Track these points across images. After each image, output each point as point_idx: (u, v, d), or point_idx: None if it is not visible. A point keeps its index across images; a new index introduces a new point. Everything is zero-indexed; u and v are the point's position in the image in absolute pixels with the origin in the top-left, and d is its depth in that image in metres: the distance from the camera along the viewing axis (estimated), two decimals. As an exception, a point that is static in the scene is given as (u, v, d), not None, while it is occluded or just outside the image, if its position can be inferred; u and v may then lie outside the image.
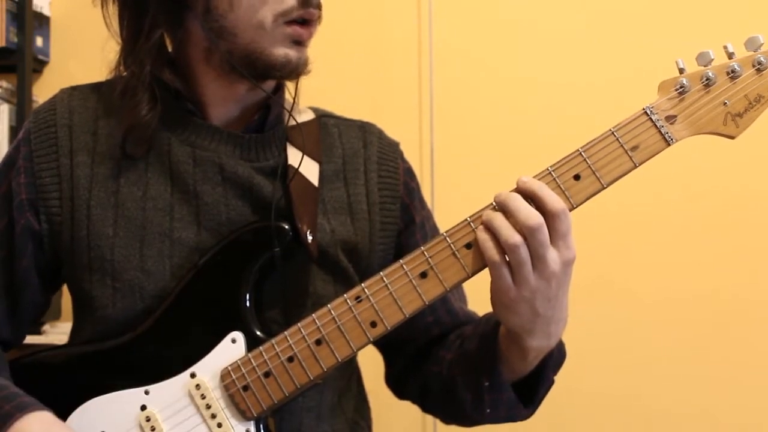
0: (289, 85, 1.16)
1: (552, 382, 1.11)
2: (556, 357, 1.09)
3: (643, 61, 2.10)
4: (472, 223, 1.01)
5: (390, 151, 1.23)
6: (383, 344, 1.21)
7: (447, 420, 1.23)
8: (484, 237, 0.98)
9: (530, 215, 0.95)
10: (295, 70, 1.09)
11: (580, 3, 2.34)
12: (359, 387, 1.23)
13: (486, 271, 1.00)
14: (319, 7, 1.09)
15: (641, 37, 2.26)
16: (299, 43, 1.08)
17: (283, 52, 1.07)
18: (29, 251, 1.11)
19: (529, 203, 0.97)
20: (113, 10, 1.13)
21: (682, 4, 2.27)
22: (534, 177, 1.00)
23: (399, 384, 1.27)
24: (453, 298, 1.21)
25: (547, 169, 1.01)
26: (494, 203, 1.00)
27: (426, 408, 1.25)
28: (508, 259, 0.97)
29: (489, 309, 1.04)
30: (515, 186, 0.99)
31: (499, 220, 0.97)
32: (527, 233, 0.95)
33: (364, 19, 2.45)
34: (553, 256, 0.96)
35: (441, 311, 1.20)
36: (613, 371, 2.25)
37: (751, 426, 2.18)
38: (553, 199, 0.96)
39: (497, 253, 0.97)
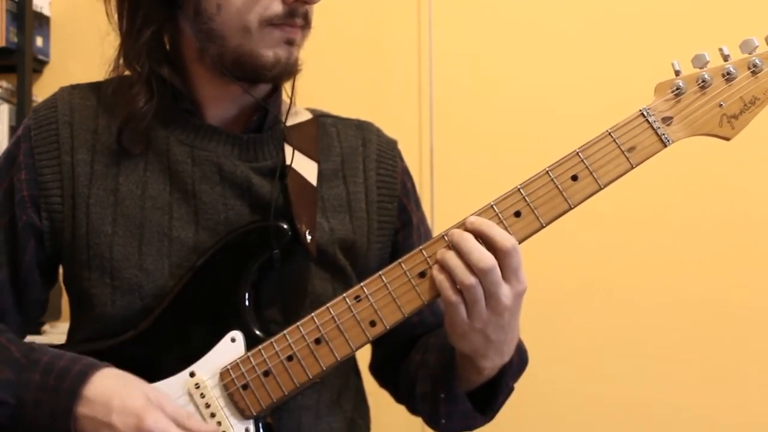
0: (287, 86, 1.16)
1: (511, 390, 1.13)
2: (516, 366, 1.11)
3: (640, 63, 2.11)
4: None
5: (389, 149, 1.23)
6: None
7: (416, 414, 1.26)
8: (440, 278, 1.00)
9: (482, 257, 0.97)
10: (285, 71, 1.09)
11: (579, 5, 2.34)
12: (358, 386, 1.23)
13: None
14: (306, 17, 1.08)
15: (638, 40, 2.27)
16: (290, 42, 1.08)
17: (272, 52, 1.07)
18: (30, 248, 1.11)
19: (480, 242, 0.98)
20: (115, 3, 1.13)
21: (678, 7, 2.27)
22: (531, 178, 1.01)
23: (377, 374, 1.31)
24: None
25: (545, 170, 1.01)
26: (446, 241, 1.01)
27: (398, 401, 1.28)
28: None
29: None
30: (464, 224, 1.00)
31: (453, 261, 0.99)
32: (480, 275, 0.97)
33: (364, 19, 2.45)
34: (505, 291, 0.98)
35: (426, 311, 1.20)
36: (611, 373, 2.25)
37: (750, 427, 2.18)
38: (503, 237, 0.98)
39: (454, 293, 0.99)
